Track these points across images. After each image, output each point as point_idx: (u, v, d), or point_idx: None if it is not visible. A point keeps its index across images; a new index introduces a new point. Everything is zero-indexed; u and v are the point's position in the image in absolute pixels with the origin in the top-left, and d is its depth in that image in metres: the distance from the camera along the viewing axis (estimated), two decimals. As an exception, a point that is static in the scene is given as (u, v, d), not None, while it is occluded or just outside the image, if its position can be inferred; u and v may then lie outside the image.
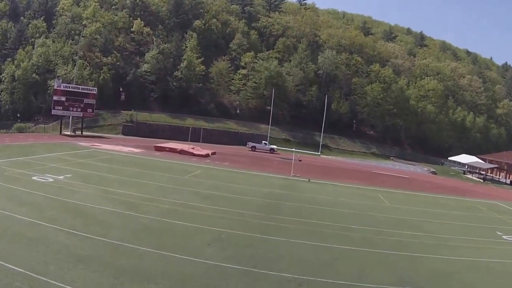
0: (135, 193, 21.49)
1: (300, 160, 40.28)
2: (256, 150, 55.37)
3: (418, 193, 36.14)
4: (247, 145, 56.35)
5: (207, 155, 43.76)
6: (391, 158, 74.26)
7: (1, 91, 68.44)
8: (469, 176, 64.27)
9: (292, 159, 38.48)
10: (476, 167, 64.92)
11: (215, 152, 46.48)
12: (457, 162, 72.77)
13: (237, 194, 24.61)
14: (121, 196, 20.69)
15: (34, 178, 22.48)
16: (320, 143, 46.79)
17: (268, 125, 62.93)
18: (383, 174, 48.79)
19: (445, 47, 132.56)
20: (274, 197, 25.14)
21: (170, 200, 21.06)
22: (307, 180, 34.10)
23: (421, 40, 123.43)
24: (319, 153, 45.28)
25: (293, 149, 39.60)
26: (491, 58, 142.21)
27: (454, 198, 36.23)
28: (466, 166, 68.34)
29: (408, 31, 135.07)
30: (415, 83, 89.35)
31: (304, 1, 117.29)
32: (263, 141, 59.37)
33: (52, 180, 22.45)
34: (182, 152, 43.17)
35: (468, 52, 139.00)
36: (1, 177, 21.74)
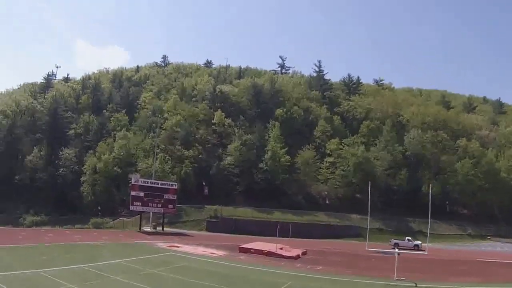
0: None
1: (399, 254, 33.07)
2: (399, 247, 48.07)
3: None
4: (390, 243, 50.40)
5: (297, 257, 38.85)
6: (488, 238, 67.66)
7: (83, 183, 68.38)
8: None
9: (392, 253, 32.61)
10: None
11: (306, 252, 41.62)
12: None
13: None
14: None
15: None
16: (428, 233, 39.07)
17: (359, 214, 60.43)
18: (491, 262, 41.82)
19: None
20: None
21: None
22: (414, 285, 27.41)
23: (499, 107, 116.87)
24: (426, 251, 36.80)
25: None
26: None
27: None
28: None
29: (485, 100, 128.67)
30: (503, 154, 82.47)
31: (381, 82, 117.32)
32: (407, 238, 53.25)
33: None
34: (269, 254, 38.62)
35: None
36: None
